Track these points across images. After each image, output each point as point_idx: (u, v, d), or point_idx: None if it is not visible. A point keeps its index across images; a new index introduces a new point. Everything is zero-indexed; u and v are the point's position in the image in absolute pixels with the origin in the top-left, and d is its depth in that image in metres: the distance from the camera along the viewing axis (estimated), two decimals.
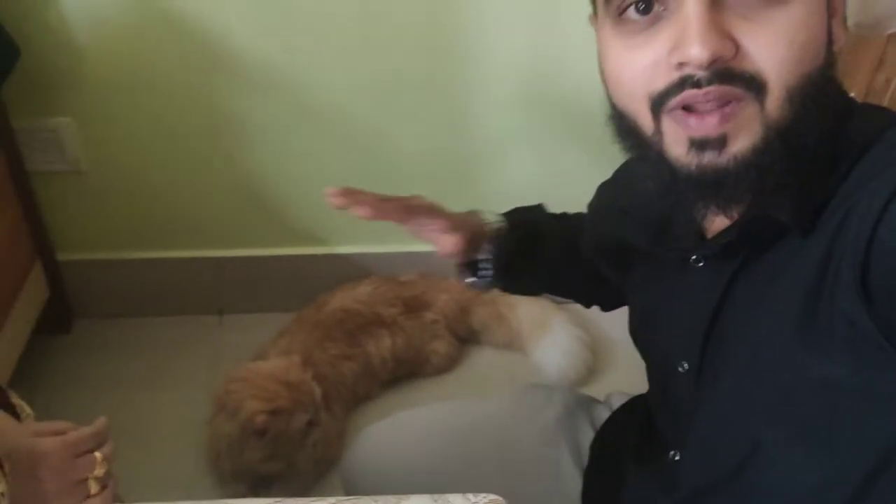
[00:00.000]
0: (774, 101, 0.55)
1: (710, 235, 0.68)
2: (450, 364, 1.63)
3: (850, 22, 0.72)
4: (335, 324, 1.51)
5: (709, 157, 0.56)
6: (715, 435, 0.70)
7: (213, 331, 1.73)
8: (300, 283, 1.66)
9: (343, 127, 1.51)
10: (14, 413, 0.88)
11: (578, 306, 1.60)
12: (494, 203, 1.59)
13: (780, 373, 0.60)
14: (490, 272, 0.91)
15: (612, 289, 0.94)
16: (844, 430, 0.58)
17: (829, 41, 0.57)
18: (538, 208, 0.97)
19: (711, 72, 0.53)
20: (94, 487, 0.71)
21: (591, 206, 0.94)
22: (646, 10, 0.56)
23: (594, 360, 1.60)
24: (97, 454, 0.72)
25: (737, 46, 0.53)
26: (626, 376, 1.38)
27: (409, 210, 0.85)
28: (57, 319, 1.67)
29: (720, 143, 0.55)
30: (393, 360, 1.54)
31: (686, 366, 0.73)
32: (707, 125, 0.55)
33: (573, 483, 0.98)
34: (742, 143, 0.55)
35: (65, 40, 1.37)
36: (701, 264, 0.69)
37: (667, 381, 0.77)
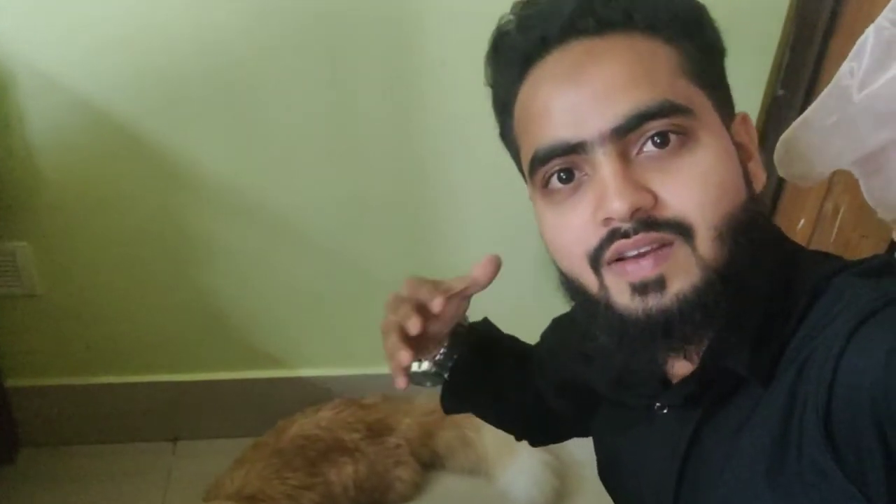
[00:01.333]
0: (704, 241, 0.57)
1: (673, 381, 0.69)
2: (413, 491, 1.57)
3: (780, 172, 0.75)
4: (295, 451, 1.46)
5: (653, 300, 0.57)
6: None
7: (166, 458, 1.66)
8: (259, 406, 1.62)
9: (308, 248, 1.51)
10: None
11: None
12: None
13: None
14: (439, 367, 0.85)
15: (551, 425, 0.94)
16: None
17: (747, 181, 0.60)
18: (494, 325, 0.95)
19: (636, 221, 0.56)
20: None
21: (546, 338, 0.93)
22: (567, 179, 0.59)
23: (562, 485, 1.56)
24: None
25: (655, 197, 0.56)
26: (596, 501, 1.35)
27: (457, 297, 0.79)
28: (1, 449, 1.59)
29: (660, 284, 0.57)
30: (355, 488, 1.49)
31: None
32: (643, 268, 0.57)
33: None
34: (681, 283, 0.57)
35: (27, 165, 1.36)
36: (665, 411, 0.69)
37: None
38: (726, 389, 0.62)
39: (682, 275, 0.57)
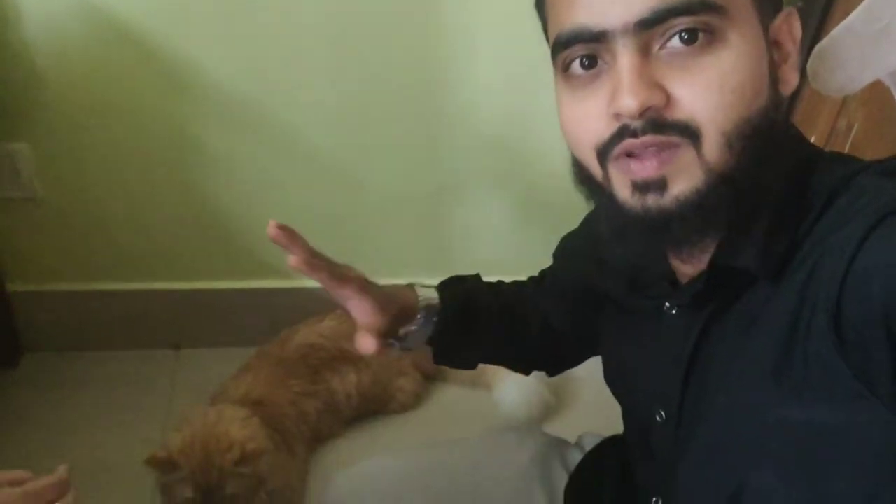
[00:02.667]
0: (711, 146, 0.56)
1: (683, 281, 0.69)
2: (415, 401, 1.60)
3: (813, 83, 0.73)
4: (299, 360, 1.47)
5: (652, 199, 0.58)
6: (699, 482, 0.70)
7: (170, 365, 1.68)
8: (262, 316, 1.62)
9: (309, 159, 1.49)
10: None
11: None
12: (457, 243, 1.60)
13: (760, 419, 0.61)
14: (414, 344, 0.87)
15: (559, 354, 0.96)
16: (827, 473, 0.59)
17: (774, 84, 0.59)
18: (474, 279, 0.95)
19: (645, 121, 0.56)
20: None
21: (557, 255, 0.95)
22: (589, 66, 0.58)
23: (556, 400, 1.59)
24: None
25: (668, 95, 0.56)
26: (591, 415, 1.37)
27: (338, 279, 0.79)
28: (4, 353, 1.59)
29: (661, 184, 0.57)
30: (358, 396, 1.51)
31: (664, 414, 0.73)
32: (647, 168, 0.57)
33: None
34: (683, 185, 0.57)
35: (26, 64, 1.33)
36: (674, 312, 0.69)
37: (646, 429, 0.77)
38: (735, 288, 0.62)
39: (685, 177, 0.57)
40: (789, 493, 0.61)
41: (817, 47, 0.77)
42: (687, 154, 0.57)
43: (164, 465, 1.20)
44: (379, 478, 1.04)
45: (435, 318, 0.86)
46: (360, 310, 0.81)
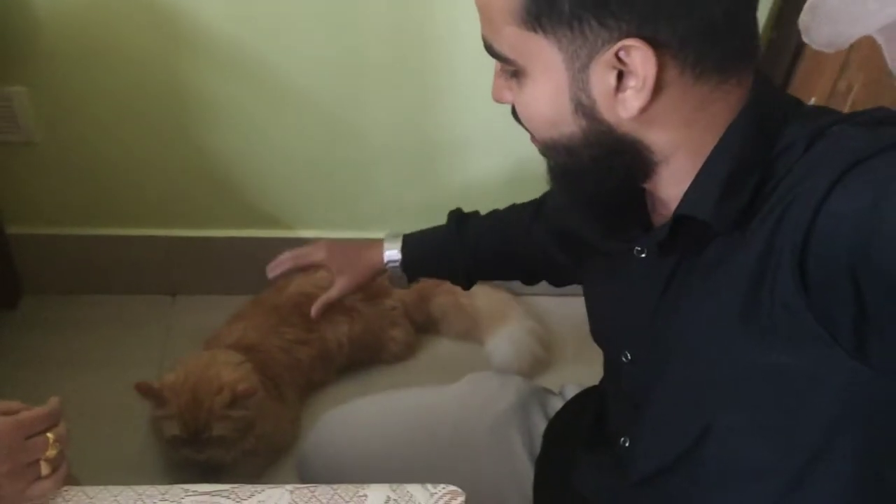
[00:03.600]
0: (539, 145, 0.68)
1: (655, 225, 0.71)
2: (407, 352, 1.63)
3: (804, 37, 0.74)
4: (293, 308, 1.49)
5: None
6: (664, 422, 0.73)
7: (165, 311, 1.70)
8: (257, 266, 1.62)
9: (308, 109, 1.49)
10: None
11: (538, 300, 1.60)
12: (456, 191, 1.60)
13: (726, 361, 0.63)
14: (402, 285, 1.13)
15: (559, 271, 1.02)
16: (788, 414, 0.61)
17: (590, 112, 0.62)
18: (456, 218, 1.09)
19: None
20: (45, 469, 0.70)
21: (548, 195, 1.00)
22: None
23: (547, 355, 1.62)
24: (49, 435, 0.70)
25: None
26: (581, 371, 1.40)
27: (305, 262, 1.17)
28: (3, 294, 1.62)
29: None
30: (350, 345, 1.54)
31: (629, 356, 0.76)
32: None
33: (525, 469, 1.00)
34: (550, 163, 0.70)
35: (24, 7, 1.32)
36: (644, 255, 0.72)
37: (616, 370, 0.80)
38: (698, 237, 0.65)
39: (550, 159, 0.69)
40: (754, 434, 0.64)
41: (809, 1, 0.77)
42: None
43: (151, 396, 1.24)
44: (364, 416, 1.08)
45: (402, 275, 1.09)
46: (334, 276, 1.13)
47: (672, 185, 0.64)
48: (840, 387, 0.58)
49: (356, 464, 1.02)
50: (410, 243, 1.08)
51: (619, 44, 0.57)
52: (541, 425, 1.04)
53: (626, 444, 0.79)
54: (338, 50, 1.42)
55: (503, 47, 0.62)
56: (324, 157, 1.56)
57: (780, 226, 0.57)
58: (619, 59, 0.57)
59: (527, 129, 0.68)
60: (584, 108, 0.61)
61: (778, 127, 0.61)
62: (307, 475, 1.06)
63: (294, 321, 1.49)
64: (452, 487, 0.73)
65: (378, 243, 1.09)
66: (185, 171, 1.55)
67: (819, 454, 0.62)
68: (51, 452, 0.70)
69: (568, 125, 0.63)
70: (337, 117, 1.50)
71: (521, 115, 0.66)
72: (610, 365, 0.86)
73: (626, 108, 0.60)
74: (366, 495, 0.72)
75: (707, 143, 0.62)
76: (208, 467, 1.31)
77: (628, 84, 0.59)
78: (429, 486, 0.73)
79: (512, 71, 0.64)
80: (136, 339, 1.63)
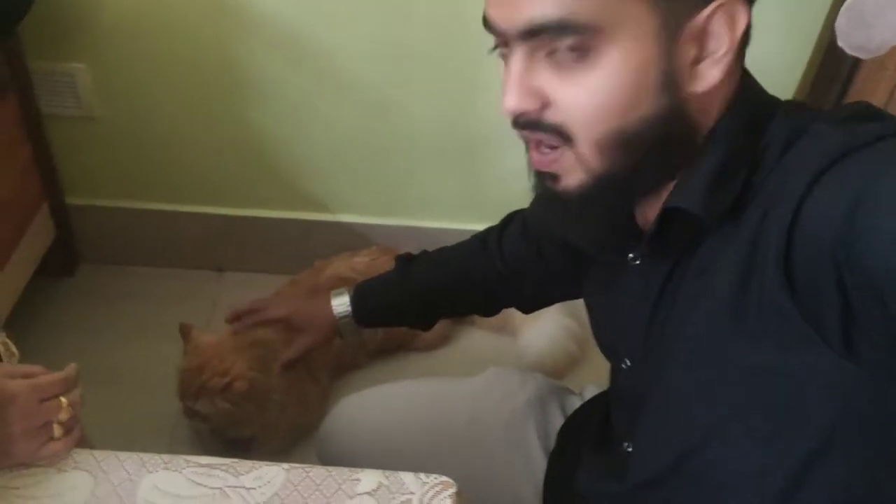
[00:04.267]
0: (584, 151, 0.60)
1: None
2: (440, 341, 1.64)
3: (839, 41, 0.71)
4: (329, 290, 1.51)
5: (549, 184, 0.65)
6: (662, 427, 0.72)
7: (212, 286, 1.76)
8: (300, 247, 1.68)
9: (357, 94, 1.51)
10: None
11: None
12: (495, 184, 1.60)
13: (718, 363, 0.63)
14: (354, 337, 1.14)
15: (531, 295, 1.03)
16: (781, 417, 0.61)
17: (675, 86, 0.58)
18: (403, 266, 1.08)
19: (521, 122, 0.61)
20: (57, 431, 0.73)
21: (532, 212, 0.98)
22: (503, 48, 0.63)
23: (581, 353, 1.60)
24: (63, 399, 0.73)
25: (547, 100, 0.59)
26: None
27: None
28: (61, 262, 1.70)
29: (554, 178, 0.64)
30: (383, 331, 1.55)
31: (628, 362, 0.76)
32: (539, 162, 0.64)
33: (539, 465, 1.00)
34: (570, 181, 0.63)
35: None
36: (638, 262, 0.71)
37: (616, 376, 0.81)
38: (691, 235, 0.64)
39: (570, 175, 0.62)
40: (748, 438, 0.63)
41: (845, 5, 0.75)
42: (567, 155, 0.61)
43: (184, 337, 1.31)
44: (380, 403, 1.09)
45: (354, 327, 1.09)
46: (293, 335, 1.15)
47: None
48: (831, 387, 0.57)
49: (370, 449, 1.04)
50: (359, 294, 1.09)
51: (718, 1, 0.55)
52: (558, 423, 1.04)
53: (629, 449, 0.79)
54: (389, 38, 1.43)
55: (583, 14, 0.55)
56: (368, 144, 1.58)
57: (762, 225, 0.56)
58: (727, 17, 0.56)
59: (560, 129, 0.60)
60: (669, 83, 0.57)
61: (763, 123, 0.61)
62: (323, 457, 1.09)
63: None
64: (444, 478, 0.74)
65: (328, 298, 1.11)
66: (234, 150, 1.60)
67: (814, 457, 0.61)
68: (63, 416, 0.73)
69: (645, 106, 0.58)
70: (383, 105, 1.52)
71: (578, 107, 0.58)
72: (612, 371, 0.86)
73: (702, 79, 0.58)
74: (359, 479, 0.74)
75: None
76: (232, 440, 1.35)
77: (710, 51, 0.57)
78: (421, 475, 0.74)
79: (576, 54, 0.56)
80: (182, 311, 1.68)
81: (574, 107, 0.58)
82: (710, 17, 0.56)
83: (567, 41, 0.56)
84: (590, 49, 0.56)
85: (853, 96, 1.38)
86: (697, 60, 0.58)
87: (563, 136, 0.60)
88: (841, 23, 0.75)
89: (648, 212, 0.68)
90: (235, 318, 1.22)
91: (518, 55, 0.59)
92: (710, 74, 0.57)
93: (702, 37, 0.57)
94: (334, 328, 1.11)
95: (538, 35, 0.57)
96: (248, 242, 1.72)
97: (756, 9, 0.58)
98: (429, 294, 1.06)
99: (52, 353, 1.54)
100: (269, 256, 1.72)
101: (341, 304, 1.09)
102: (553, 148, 0.61)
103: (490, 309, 1.10)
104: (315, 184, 1.64)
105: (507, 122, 0.64)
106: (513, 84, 0.59)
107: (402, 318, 1.10)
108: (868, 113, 0.58)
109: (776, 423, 0.61)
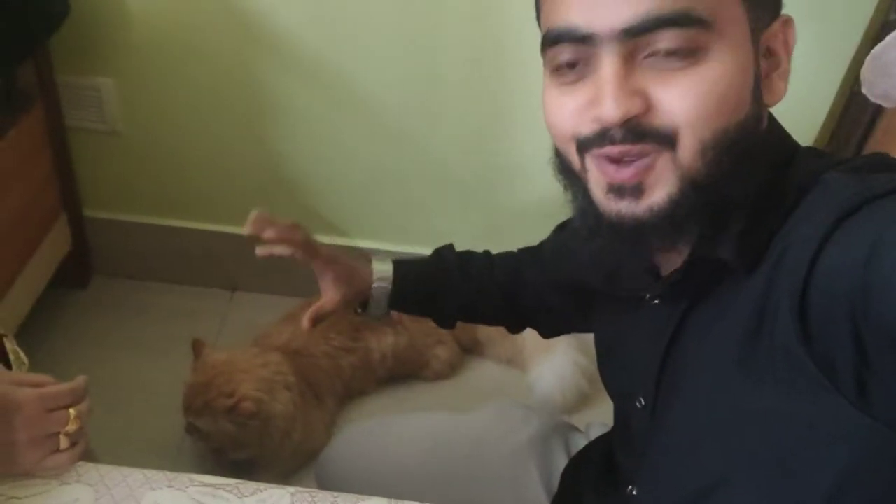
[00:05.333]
0: (687, 153, 0.57)
1: (664, 273, 0.70)
2: (449, 371, 1.63)
3: (863, 89, 0.71)
4: (341, 315, 1.51)
5: (626, 205, 0.59)
6: (666, 470, 0.71)
7: (223, 304, 1.76)
8: (313, 271, 1.67)
9: (377, 121, 1.52)
10: (5, 361, 0.90)
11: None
12: (512, 216, 1.60)
13: (724, 407, 0.62)
14: (374, 313, 0.99)
15: (552, 321, 0.99)
16: (791, 463, 0.59)
17: (758, 94, 0.59)
18: (447, 254, 1.00)
19: (625, 128, 0.56)
20: (64, 443, 0.73)
21: (549, 241, 0.97)
22: (574, 64, 0.59)
23: (591, 390, 1.59)
24: (71, 410, 0.73)
25: (650, 102, 0.56)
26: None
27: (312, 250, 0.97)
28: (76, 274, 1.71)
29: (637, 191, 0.59)
30: (393, 358, 1.55)
31: (643, 401, 0.74)
32: (624, 174, 0.58)
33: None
34: (658, 194, 0.58)
35: (117, 5, 1.40)
36: (656, 302, 0.70)
37: (627, 416, 0.79)
38: (712, 279, 0.63)
39: (660, 185, 0.58)
40: (755, 489, 0.61)
41: (872, 52, 0.75)
42: (662, 159, 0.58)
43: (195, 353, 1.30)
44: (382, 434, 1.08)
45: (386, 299, 0.97)
46: (324, 286, 0.98)
47: None
48: (840, 436, 0.55)
49: (369, 478, 1.03)
50: (404, 267, 0.98)
51: (786, 15, 0.57)
52: (561, 462, 1.03)
53: (634, 493, 0.78)
54: (412, 65, 1.44)
55: (702, 9, 0.54)
56: (387, 170, 1.58)
57: (777, 272, 0.56)
58: (784, 33, 0.58)
59: (664, 132, 0.57)
60: (758, 89, 0.58)
61: (784, 166, 0.60)
62: (322, 483, 1.07)
63: (341, 328, 1.51)
64: None
65: (365, 261, 0.99)
66: (253, 171, 1.61)
67: None
68: (71, 427, 0.73)
69: (745, 109, 0.57)
70: (404, 132, 1.53)
71: (687, 106, 0.56)
72: (619, 410, 0.84)
73: (775, 92, 0.58)
74: None
75: None
76: (235, 461, 1.34)
77: (776, 63, 0.58)
78: None
79: (683, 52, 0.55)
80: (192, 328, 1.68)
81: (683, 106, 0.56)
82: (777, 30, 0.57)
83: (682, 36, 0.54)
84: (699, 46, 0.55)
85: (872, 146, 1.37)
86: (768, 73, 0.58)
87: (667, 139, 0.57)
88: (866, 70, 0.75)
89: (665, 255, 0.68)
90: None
91: (612, 59, 0.56)
92: (779, 87, 0.58)
93: (771, 49, 0.58)
94: (366, 292, 0.97)
95: (651, 31, 0.55)
96: (261, 263, 1.71)
97: None
98: (481, 293, 0.99)
99: (62, 364, 1.55)
100: (282, 278, 1.72)
101: (383, 269, 0.97)
102: (642, 157, 0.58)
103: (515, 326, 1.06)
104: (332, 208, 1.65)
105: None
106: (614, 88, 0.56)
107: (441, 305, 0.99)
108: (883, 163, 0.58)
109: (785, 471, 0.60)
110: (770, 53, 0.59)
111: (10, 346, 0.96)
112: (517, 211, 1.59)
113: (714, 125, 0.56)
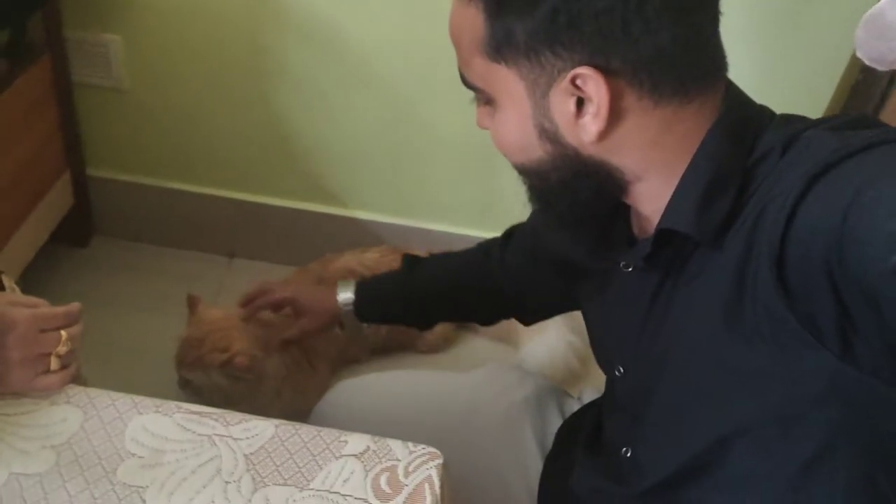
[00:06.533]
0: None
1: (640, 241, 0.72)
2: (442, 344, 1.63)
3: (857, 52, 0.72)
4: (337, 280, 1.52)
5: None
6: (665, 433, 0.72)
7: (221, 270, 1.76)
8: (313, 239, 1.69)
9: (382, 92, 1.52)
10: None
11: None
12: (511, 194, 1.61)
13: (713, 369, 0.63)
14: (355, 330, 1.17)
15: (527, 306, 1.06)
16: (778, 420, 0.61)
17: (554, 137, 0.65)
18: (410, 265, 1.11)
19: None
20: (54, 364, 0.74)
21: (527, 228, 1.01)
22: None
23: (582, 368, 1.59)
24: (63, 332, 0.74)
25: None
26: None
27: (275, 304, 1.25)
28: (77, 232, 1.71)
29: None
30: (387, 329, 1.55)
31: (622, 370, 0.77)
32: None
33: (533, 463, 1.00)
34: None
35: None
36: (630, 269, 0.72)
37: (611, 383, 0.81)
38: (682, 249, 0.65)
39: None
40: (747, 442, 0.63)
41: (865, 15, 0.75)
42: None
43: (190, 309, 1.32)
44: (377, 388, 1.09)
45: (355, 319, 1.12)
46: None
47: (650, 201, 0.66)
48: (828, 390, 0.56)
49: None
50: (364, 288, 1.13)
51: (573, 72, 0.60)
52: (556, 423, 1.04)
53: (628, 455, 0.79)
54: (418, 38, 1.45)
55: (474, 78, 0.66)
56: (389, 143, 1.59)
57: (755, 231, 0.57)
58: (576, 87, 0.60)
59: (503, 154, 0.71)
60: (548, 134, 0.64)
61: (754, 136, 0.62)
62: None
63: None
64: (431, 449, 0.73)
65: (334, 288, 1.15)
66: (256, 137, 1.61)
67: (812, 461, 0.61)
68: (62, 349, 0.74)
69: (535, 150, 0.66)
70: (407, 104, 1.53)
71: (494, 142, 0.69)
72: (607, 378, 0.86)
73: (586, 132, 0.62)
74: (346, 441, 0.74)
75: (681, 160, 0.63)
76: None
77: (587, 110, 0.61)
78: (409, 444, 0.74)
79: (485, 100, 0.67)
80: (188, 292, 1.69)
81: (493, 139, 0.69)
82: (574, 82, 0.60)
83: (476, 93, 0.68)
84: (490, 102, 0.67)
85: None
86: (580, 115, 0.62)
87: None
88: (859, 34, 0.75)
89: (641, 219, 0.70)
90: (247, 301, 1.24)
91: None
92: (590, 129, 0.62)
93: (578, 97, 0.61)
94: (335, 317, 1.14)
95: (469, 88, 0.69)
96: (261, 230, 1.73)
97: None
98: (429, 297, 1.08)
99: None
100: (280, 246, 1.73)
101: (346, 294, 1.12)
102: None
103: (488, 318, 1.13)
104: (333, 177, 1.65)
105: None
106: (477, 116, 0.71)
107: (402, 317, 1.13)
108: (863, 122, 0.60)
109: (772, 427, 0.61)
110: (578, 99, 0.61)
111: (8, 282, 0.97)
112: (515, 188, 1.59)
113: (513, 160, 0.69)
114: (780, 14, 1.36)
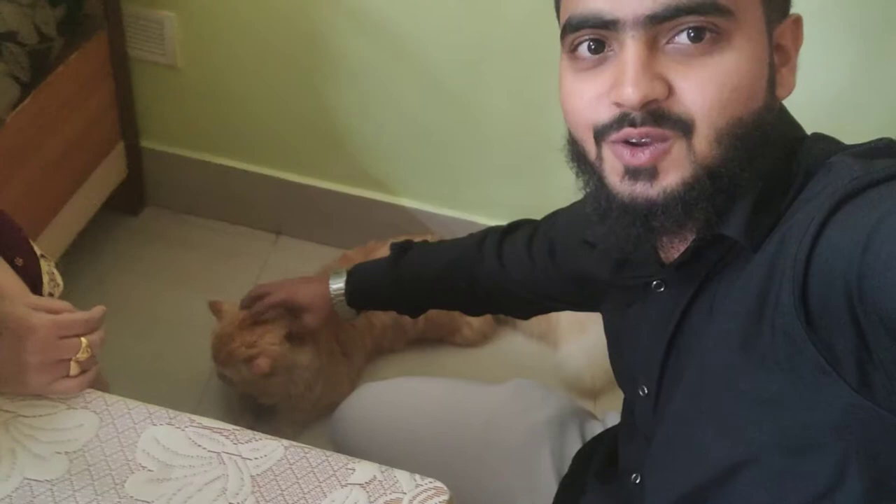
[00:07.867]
0: (703, 141, 0.58)
1: (668, 261, 0.69)
2: (480, 339, 1.62)
3: None
4: None
5: (641, 187, 0.60)
6: (674, 459, 0.70)
7: (266, 247, 1.78)
8: (358, 223, 1.68)
9: (432, 82, 1.49)
10: (38, 282, 0.92)
11: None
12: (557, 193, 1.56)
13: (726, 393, 0.62)
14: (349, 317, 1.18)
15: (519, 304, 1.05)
16: (790, 453, 0.59)
17: (771, 87, 0.60)
18: (400, 252, 1.11)
19: (645, 112, 0.57)
20: (74, 369, 0.75)
21: (551, 228, 0.98)
22: (596, 50, 0.60)
23: None
24: (83, 339, 0.75)
25: (670, 88, 0.57)
26: None
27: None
28: (128, 201, 1.75)
29: (651, 174, 0.59)
30: (425, 320, 1.53)
31: (646, 390, 0.74)
32: (640, 157, 0.59)
33: (546, 486, 0.99)
34: (672, 178, 0.59)
35: None
36: (661, 290, 0.71)
37: (632, 405, 0.79)
38: (717, 263, 0.64)
39: (675, 170, 0.59)
40: (757, 473, 0.61)
41: None
42: (678, 146, 0.58)
43: (216, 313, 1.32)
44: (398, 396, 1.09)
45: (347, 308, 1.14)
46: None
47: None
48: (842, 421, 0.55)
49: (381, 438, 1.03)
50: (353, 276, 1.13)
51: (794, 15, 0.60)
52: (575, 446, 1.02)
53: (637, 481, 0.77)
54: (472, 29, 1.42)
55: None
56: (438, 132, 1.56)
57: (779, 253, 0.56)
58: (792, 32, 0.60)
59: (683, 118, 0.57)
60: (772, 80, 0.60)
61: (793, 151, 0.61)
62: (334, 438, 1.09)
63: None
64: (438, 484, 0.72)
65: (326, 279, 1.15)
66: (307, 120, 1.61)
67: (822, 495, 0.59)
68: (82, 355, 0.75)
69: (759, 99, 0.59)
70: (458, 96, 1.50)
71: (706, 93, 0.57)
72: (625, 400, 0.84)
73: (785, 86, 0.61)
74: (353, 469, 0.73)
75: None
76: (260, 405, 1.37)
77: (786, 58, 0.60)
78: (416, 476, 0.73)
79: (705, 40, 0.56)
80: (234, 267, 1.71)
81: (702, 93, 0.57)
82: (788, 28, 0.60)
83: (703, 24, 0.56)
84: (723, 32, 0.56)
85: None
86: (779, 67, 0.60)
87: (684, 126, 0.58)
88: None
89: (669, 243, 0.68)
90: (248, 304, 1.25)
91: (635, 43, 0.57)
92: (789, 81, 0.60)
93: (781, 45, 0.60)
94: (331, 308, 1.15)
95: (673, 18, 0.56)
96: (308, 211, 1.73)
97: None
98: (414, 284, 1.08)
99: (103, 288, 1.60)
100: (326, 228, 1.73)
101: (337, 284, 1.14)
102: (660, 141, 0.58)
103: (473, 308, 1.13)
104: (380, 164, 1.64)
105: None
106: (637, 71, 0.56)
107: (389, 304, 1.14)
108: (890, 148, 0.58)
109: (784, 460, 0.59)
110: (781, 49, 0.61)
111: (47, 267, 0.98)
112: (562, 186, 1.55)
113: (729, 113, 0.57)
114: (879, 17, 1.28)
